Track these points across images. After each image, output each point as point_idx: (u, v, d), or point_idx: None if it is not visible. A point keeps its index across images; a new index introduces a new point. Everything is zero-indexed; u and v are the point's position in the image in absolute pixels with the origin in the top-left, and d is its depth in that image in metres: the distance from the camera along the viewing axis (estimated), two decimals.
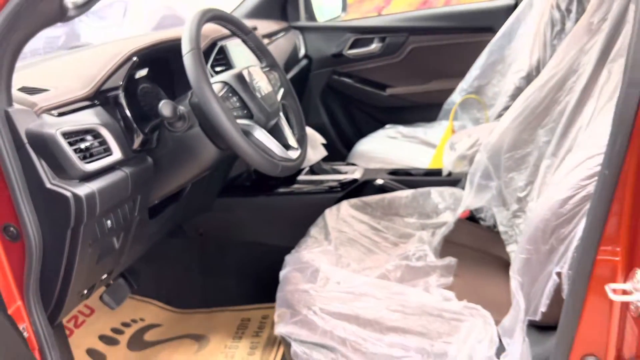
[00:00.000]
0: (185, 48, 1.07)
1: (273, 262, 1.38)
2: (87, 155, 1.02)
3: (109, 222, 1.09)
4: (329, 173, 1.70)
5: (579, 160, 0.85)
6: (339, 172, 1.72)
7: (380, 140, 2.20)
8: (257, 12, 2.23)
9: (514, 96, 1.61)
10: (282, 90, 1.35)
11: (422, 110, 2.36)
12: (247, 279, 1.74)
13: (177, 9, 4.19)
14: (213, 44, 1.50)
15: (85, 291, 1.15)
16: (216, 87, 1.14)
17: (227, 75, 1.18)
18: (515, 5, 2.16)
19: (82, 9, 0.99)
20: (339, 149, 2.39)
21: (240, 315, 1.68)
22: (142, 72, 1.28)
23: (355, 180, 1.65)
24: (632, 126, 0.64)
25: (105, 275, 1.21)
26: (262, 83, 1.23)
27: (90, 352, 1.53)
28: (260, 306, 1.70)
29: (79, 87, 1.08)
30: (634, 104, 0.63)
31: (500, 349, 0.98)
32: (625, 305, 0.73)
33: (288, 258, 1.27)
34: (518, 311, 0.93)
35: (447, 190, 1.45)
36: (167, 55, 1.34)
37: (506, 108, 1.63)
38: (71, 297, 1.08)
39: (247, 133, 1.14)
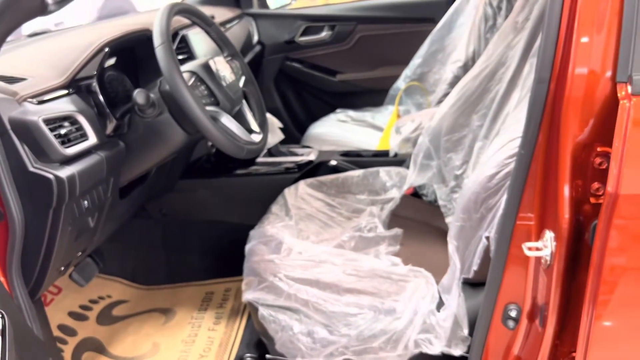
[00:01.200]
0: (157, 41, 1.16)
1: (234, 239, 1.50)
2: (65, 140, 1.10)
3: (85, 202, 1.17)
4: (285, 155, 1.82)
5: (503, 142, 1.02)
6: (295, 154, 1.84)
7: (332, 124, 2.34)
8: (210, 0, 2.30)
9: (453, 84, 1.78)
10: (243, 78, 1.45)
11: (370, 96, 2.51)
12: (210, 255, 1.85)
13: None
14: (175, 34, 1.58)
15: (63, 268, 1.23)
16: (185, 77, 1.23)
17: (194, 65, 1.27)
18: None
19: (62, 3, 1.06)
20: (293, 133, 2.51)
21: (204, 289, 1.79)
22: (111, 61, 1.35)
23: (310, 162, 1.78)
24: (542, 114, 0.80)
25: (80, 253, 1.29)
26: (226, 72, 1.33)
27: (61, 327, 1.59)
28: (222, 280, 1.82)
29: (55, 76, 1.15)
30: (542, 97, 0.80)
31: (440, 304, 1.15)
32: (537, 260, 0.90)
33: (253, 233, 1.39)
34: (454, 271, 1.10)
35: (393, 169, 1.61)
36: (134, 45, 1.41)
37: (446, 95, 1.80)
38: (51, 273, 1.16)
39: (214, 119, 1.24)
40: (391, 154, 1.68)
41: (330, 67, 2.50)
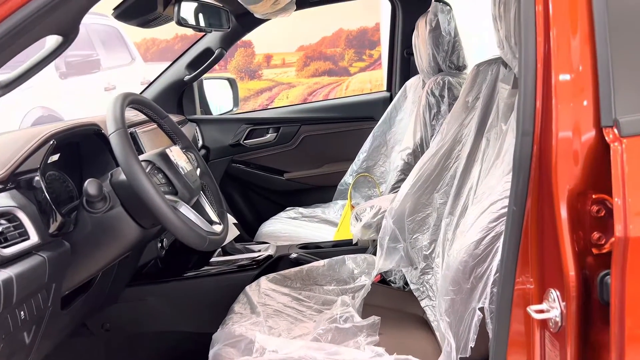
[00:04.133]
0: (111, 127, 1.09)
1: (189, 349, 1.34)
2: (1, 240, 0.96)
3: (22, 313, 1.01)
4: (241, 252, 1.71)
5: (483, 207, 1.00)
6: (252, 251, 1.74)
7: (283, 221, 2.28)
8: None
9: (404, 170, 1.80)
10: (198, 170, 1.39)
11: (318, 192, 2.51)
12: None
13: (54, 108, 4.06)
14: None
15: None
16: (145, 165, 1.16)
17: (150, 154, 1.20)
18: (391, 97, 2.47)
19: (7, 89, 0.99)
20: (242, 235, 2.41)
21: None
22: (54, 158, 1.25)
23: (269, 257, 1.69)
24: (529, 165, 0.79)
25: None
26: (183, 162, 1.26)
27: None
28: None
29: None
30: (528, 149, 0.79)
31: None
32: (544, 324, 0.84)
33: (216, 336, 1.24)
34: (450, 351, 1.01)
35: (360, 256, 1.55)
36: (79, 140, 1.32)
37: (399, 181, 1.81)
38: None
39: (174, 208, 1.15)
40: (354, 241, 1.63)
41: (277, 166, 2.50)
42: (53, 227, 1.10)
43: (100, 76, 4.19)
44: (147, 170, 1.15)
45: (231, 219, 1.79)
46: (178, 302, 1.61)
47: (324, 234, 2.11)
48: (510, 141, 1.09)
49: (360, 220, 1.64)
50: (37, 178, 1.08)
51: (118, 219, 1.15)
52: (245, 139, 2.46)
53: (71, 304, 1.26)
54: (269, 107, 2.95)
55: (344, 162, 2.39)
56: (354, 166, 2.30)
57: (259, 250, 1.74)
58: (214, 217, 1.31)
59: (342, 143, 2.49)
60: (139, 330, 1.62)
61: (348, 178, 2.34)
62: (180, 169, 1.22)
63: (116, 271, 1.49)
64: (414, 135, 1.81)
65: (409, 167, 1.80)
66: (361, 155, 2.28)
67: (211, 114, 2.58)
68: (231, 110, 2.69)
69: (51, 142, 1.15)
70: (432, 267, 1.40)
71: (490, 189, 1.07)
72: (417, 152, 1.79)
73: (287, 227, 2.19)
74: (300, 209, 2.34)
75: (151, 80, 2.34)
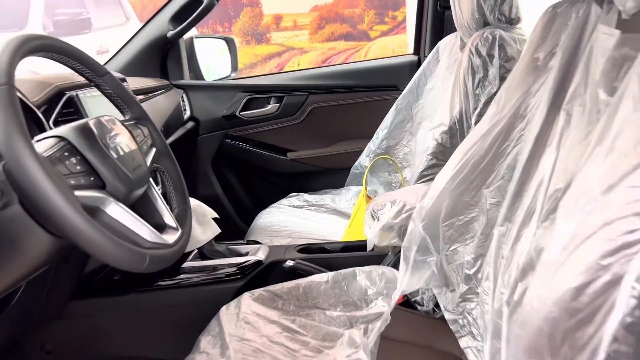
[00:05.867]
0: None
1: None
2: None
3: None
4: (224, 256, 1.33)
5: (591, 229, 0.59)
6: (238, 254, 1.36)
7: (284, 211, 1.89)
8: (132, 68, 1.89)
9: (437, 153, 1.39)
10: (153, 151, 1.00)
11: (328, 176, 2.12)
12: None
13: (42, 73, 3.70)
14: (59, 94, 1.12)
15: None
16: (44, 144, 0.76)
17: (64, 128, 0.80)
18: (419, 62, 2.04)
19: None
20: (237, 224, 2.03)
21: None
22: None
23: (259, 263, 1.30)
24: None
25: None
26: (121, 139, 0.87)
27: None
28: None
29: None
30: None
31: None
32: None
33: None
34: None
35: (375, 270, 1.16)
36: None
37: (430, 167, 1.40)
38: None
39: (92, 210, 0.76)
40: (369, 247, 1.23)
41: (280, 144, 2.10)
42: None
43: (92, 37, 3.80)
44: (51, 151, 0.76)
45: (210, 213, 1.40)
46: (137, 321, 1.25)
47: (333, 229, 1.72)
48: (628, 117, 0.67)
49: (378, 220, 1.24)
50: None
51: (15, 222, 0.76)
52: (242, 110, 2.06)
53: None
54: (268, 73, 2.52)
55: (360, 141, 1.99)
56: (372, 145, 1.89)
57: (246, 254, 1.35)
58: (168, 219, 0.92)
59: (358, 117, 2.07)
60: (87, 354, 1.26)
61: (364, 160, 1.93)
62: (112, 150, 0.82)
63: (51, 280, 1.12)
64: (451, 109, 1.39)
65: (442, 149, 1.39)
66: (381, 132, 1.87)
67: (204, 79, 2.18)
68: (228, 76, 2.29)
69: None
70: (476, 292, 1.00)
71: (591, 195, 0.65)
72: (455, 130, 1.37)
73: (288, 219, 1.80)
74: (306, 196, 1.95)
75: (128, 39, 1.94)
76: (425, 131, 1.50)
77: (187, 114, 1.99)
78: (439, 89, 1.71)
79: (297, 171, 2.11)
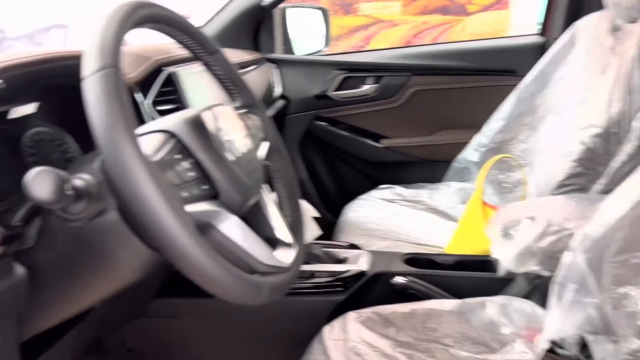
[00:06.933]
0: (91, 65, 0.55)
1: None
2: None
3: None
4: (320, 261, 1.17)
5: None
6: (335, 259, 1.20)
7: (376, 204, 1.71)
8: (223, 39, 1.74)
9: (584, 160, 1.16)
10: (265, 146, 0.84)
11: (425, 168, 1.91)
12: None
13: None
14: (157, 70, 0.98)
15: None
16: (151, 142, 0.62)
17: (173, 122, 0.65)
18: (545, 45, 1.77)
19: None
20: (323, 214, 1.88)
21: None
22: (26, 109, 0.75)
23: (361, 274, 1.14)
24: None
25: None
26: (237, 135, 0.71)
27: None
28: None
29: None
30: None
31: None
32: None
33: None
34: None
35: (511, 303, 0.96)
36: (72, 84, 0.80)
37: (574, 176, 1.17)
38: None
39: (203, 228, 0.62)
40: (500, 271, 1.03)
41: (373, 129, 1.91)
42: None
43: None
44: (160, 153, 0.61)
45: (310, 211, 1.24)
46: (222, 328, 1.12)
47: (435, 231, 1.53)
48: None
49: (511, 238, 1.04)
50: None
51: (109, 232, 0.63)
52: (335, 90, 1.88)
53: (48, 346, 0.78)
54: (365, 49, 2.30)
55: (466, 131, 1.76)
56: (483, 138, 1.66)
57: (346, 259, 1.19)
58: (280, 231, 0.77)
59: (466, 104, 1.84)
60: (168, 356, 1.15)
61: (471, 154, 1.71)
62: (228, 151, 0.67)
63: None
64: (608, 106, 1.14)
65: (592, 156, 1.15)
66: (495, 123, 1.63)
67: (293, 53, 2.01)
68: (319, 51, 2.10)
69: None
70: None
71: None
72: (610, 134, 1.13)
73: (382, 215, 1.62)
74: (399, 189, 1.76)
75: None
76: (569, 130, 1.26)
77: (278, 90, 1.84)
78: (574, 78, 1.45)
79: (390, 160, 1.91)
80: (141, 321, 1.13)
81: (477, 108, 1.78)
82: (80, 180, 0.60)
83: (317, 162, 1.97)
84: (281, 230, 0.77)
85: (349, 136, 1.91)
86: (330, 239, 1.51)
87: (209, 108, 0.69)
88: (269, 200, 0.78)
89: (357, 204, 1.72)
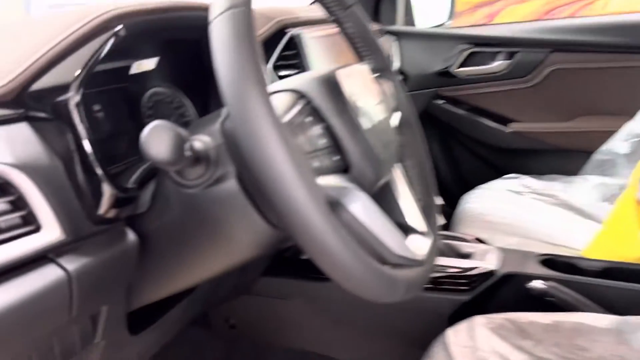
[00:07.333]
0: (219, 6, 0.47)
1: None
2: None
3: None
4: (444, 254, 1.05)
5: None
6: (458, 253, 1.07)
7: (499, 195, 1.53)
8: None
9: None
10: (396, 117, 0.72)
11: (559, 157, 1.70)
12: None
13: None
14: (280, 32, 0.90)
15: None
16: (280, 101, 0.53)
17: (302, 80, 0.56)
18: None
19: None
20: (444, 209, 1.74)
21: None
22: (146, 64, 0.70)
23: (490, 273, 0.99)
24: None
25: None
26: (371, 101, 0.60)
27: None
28: None
29: None
30: None
31: None
32: None
33: None
34: None
35: None
36: (199, 37, 0.74)
37: None
38: None
39: (334, 206, 0.52)
40: None
41: (501, 112, 1.72)
42: (105, 204, 0.56)
43: None
44: (291, 114, 0.52)
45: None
46: (332, 315, 1.04)
47: (571, 231, 1.33)
48: None
49: None
50: (73, 101, 0.53)
51: (226, 203, 0.56)
52: (459, 66, 1.71)
53: (155, 319, 0.74)
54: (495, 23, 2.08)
55: (613, 118, 1.53)
56: (637, 127, 1.42)
57: (470, 255, 1.05)
58: (412, 217, 0.65)
59: (615, 87, 1.59)
60: (272, 339, 1.10)
61: (618, 145, 1.48)
62: (364, 118, 0.57)
63: None
64: None
65: None
66: None
67: (414, 25, 1.87)
68: (442, 24, 1.94)
69: (117, 30, 0.58)
70: None
71: None
72: None
73: (506, 207, 1.45)
74: (527, 180, 1.57)
75: None
76: None
77: (396, 65, 1.71)
78: None
79: (518, 147, 1.72)
80: (246, 298, 1.08)
81: (628, 92, 1.54)
82: (200, 142, 0.53)
83: (433, 145, 1.82)
84: (413, 216, 0.66)
85: (471, 118, 1.74)
86: (446, 231, 1.37)
87: (343, 67, 0.59)
88: (400, 180, 0.67)
89: (477, 193, 1.56)
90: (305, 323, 1.07)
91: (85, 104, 0.55)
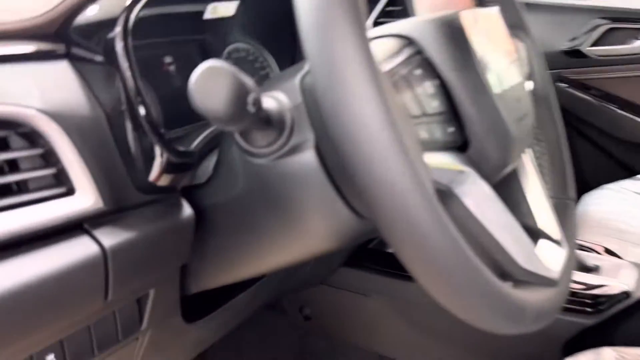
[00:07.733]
0: None
1: None
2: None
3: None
4: None
5: None
6: (582, 266, 0.88)
7: (629, 199, 1.30)
8: None
9: None
10: (529, 86, 0.56)
11: None
12: None
13: None
14: None
15: None
16: (381, 49, 0.39)
17: (412, 23, 0.42)
18: None
19: None
20: None
21: None
22: (224, 8, 0.59)
23: (625, 295, 0.80)
24: None
25: None
26: (503, 59, 0.45)
27: None
28: None
29: (25, 7, 0.42)
30: None
31: None
32: None
33: None
34: None
35: None
36: None
37: None
38: None
39: (443, 196, 0.38)
40: None
41: (638, 101, 1.46)
42: (156, 170, 0.46)
43: None
44: (394, 66, 0.38)
45: None
46: (414, 318, 0.90)
47: None
48: None
49: None
50: (120, 41, 0.43)
51: (302, 180, 0.43)
52: (593, 45, 1.47)
53: (209, 311, 0.65)
54: None
55: None
56: None
57: (596, 269, 0.86)
58: (545, 220, 0.49)
59: None
60: (347, 336, 0.98)
61: None
62: (493, 78, 0.41)
63: None
64: None
65: None
66: None
67: None
68: None
69: None
70: None
71: None
72: None
73: (636, 213, 1.22)
74: None
75: None
76: None
77: None
78: None
79: None
80: (323, 289, 0.97)
81: None
82: (273, 99, 0.41)
83: None
84: (545, 217, 0.50)
85: (602, 106, 1.50)
86: None
87: (469, 9, 0.44)
88: (531, 169, 0.51)
89: (601, 194, 1.34)
90: (385, 325, 0.94)
91: (154, 54, 0.45)
